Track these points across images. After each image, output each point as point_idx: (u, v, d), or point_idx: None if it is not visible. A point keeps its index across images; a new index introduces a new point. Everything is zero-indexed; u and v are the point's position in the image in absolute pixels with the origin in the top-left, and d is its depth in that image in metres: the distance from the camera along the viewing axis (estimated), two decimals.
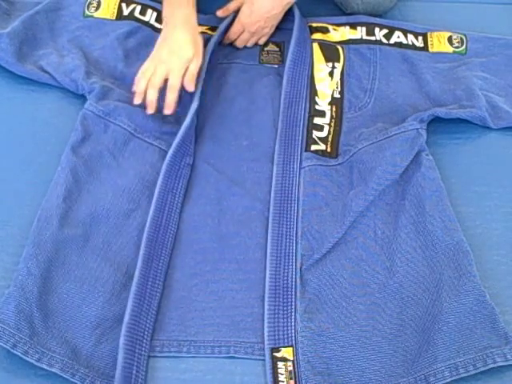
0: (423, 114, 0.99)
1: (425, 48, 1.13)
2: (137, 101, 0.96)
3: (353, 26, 1.15)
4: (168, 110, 0.96)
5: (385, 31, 1.14)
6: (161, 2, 1.16)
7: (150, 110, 0.96)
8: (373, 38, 1.13)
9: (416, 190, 0.90)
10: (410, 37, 1.15)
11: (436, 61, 1.11)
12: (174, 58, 0.96)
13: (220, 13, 1.13)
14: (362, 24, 1.15)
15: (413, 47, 1.13)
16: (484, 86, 1.05)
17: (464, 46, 1.13)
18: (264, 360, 0.77)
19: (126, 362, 0.73)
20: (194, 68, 0.98)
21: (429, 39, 1.14)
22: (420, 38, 1.15)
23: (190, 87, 0.97)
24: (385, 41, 1.13)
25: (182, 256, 0.84)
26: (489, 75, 1.08)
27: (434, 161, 0.94)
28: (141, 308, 0.79)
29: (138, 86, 0.97)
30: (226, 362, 0.78)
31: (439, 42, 1.14)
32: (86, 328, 0.77)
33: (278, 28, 1.15)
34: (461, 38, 1.14)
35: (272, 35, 1.14)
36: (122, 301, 0.80)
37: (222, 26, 1.12)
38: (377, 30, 1.14)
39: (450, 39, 1.14)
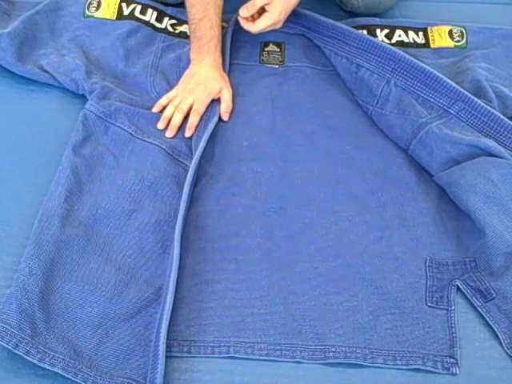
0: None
1: (426, 44, 1.14)
2: (161, 126, 1.00)
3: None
4: (189, 131, 1.00)
5: (386, 31, 1.15)
6: (162, 3, 1.18)
7: (171, 133, 0.99)
8: None
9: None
10: (411, 34, 1.15)
11: (439, 56, 1.12)
12: (200, 89, 1.02)
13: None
14: (362, 27, 1.14)
15: (415, 45, 1.13)
16: (489, 77, 1.05)
17: (464, 40, 1.14)
18: (264, 360, 0.78)
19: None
20: (228, 97, 1.04)
21: (429, 34, 1.15)
22: (421, 33, 1.15)
23: (226, 117, 1.03)
24: (387, 41, 1.13)
25: (181, 256, 0.84)
26: (491, 66, 1.08)
27: None
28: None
29: (166, 111, 1.01)
30: (226, 362, 0.78)
31: (440, 37, 1.14)
32: (88, 328, 0.77)
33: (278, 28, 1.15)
34: (461, 31, 1.15)
35: (272, 36, 1.14)
36: (124, 300, 0.80)
37: (229, 30, 1.12)
38: (378, 30, 1.15)
39: (450, 33, 1.14)
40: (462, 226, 0.89)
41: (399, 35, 1.15)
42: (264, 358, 0.78)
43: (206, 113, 1.02)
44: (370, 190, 0.94)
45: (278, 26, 1.06)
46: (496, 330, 0.80)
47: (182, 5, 1.12)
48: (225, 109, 1.03)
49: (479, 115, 0.94)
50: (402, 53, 1.01)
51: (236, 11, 1.06)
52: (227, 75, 1.07)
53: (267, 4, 1.01)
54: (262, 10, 1.04)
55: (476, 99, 0.95)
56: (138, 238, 0.86)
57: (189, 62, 1.07)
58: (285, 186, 0.95)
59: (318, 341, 0.79)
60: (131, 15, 1.14)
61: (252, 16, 1.05)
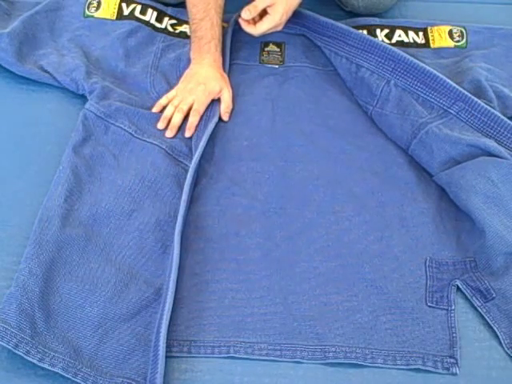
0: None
1: (426, 44, 1.14)
2: (162, 126, 1.00)
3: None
4: (189, 131, 1.00)
5: (386, 31, 1.15)
6: (162, 3, 1.17)
7: (170, 133, 0.99)
8: None
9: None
10: (411, 34, 1.15)
11: (439, 56, 1.12)
12: (200, 88, 1.02)
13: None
14: (362, 27, 1.14)
15: (415, 45, 1.13)
16: (489, 77, 1.05)
17: (464, 40, 1.14)
18: (264, 360, 0.78)
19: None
20: (228, 97, 1.03)
21: (429, 34, 1.15)
22: (421, 33, 1.15)
23: (226, 117, 1.03)
24: (387, 41, 1.13)
25: (181, 256, 0.84)
26: (491, 66, 1.08)
27: None
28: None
29: (166, 111, 1.01)
30: (226, 362, 0.78)
31: (440, 37, 1.14)
32: (88, 328, 0.77)
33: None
34: (461, 32, 1.15)
35: (272, 36, 1.14)
36: (124, 300, 0.80)
37: (230, 30, 1.12)
38: (378, 30, 1.15)
39: (450, 33, 1.14)
40: (462, 226, 0.90)
41: (399, 35, 1.15)
42: (264, 357, 0.78)
43: (206, 113, 1.02)
44: (369, 189, 0.94)
45: (279, 28, 1.06)
46: (496, 330, 0.80)
47: (182, 5, 1.12)
48: (225, 109, 1.03)
49: (479, 115, 0.94)
50: (401, 53, 1.01)
51: (237, 11, 1.06)
52: (227, 75, 1.07)
53: (269, 6, 1.01)
54: (263, 13, 1.04)
55: (476, 99, 0.95)
56: (138, 238, 0.86)
57: (189, 61, 1.07)
58: (285, 186, 0.95)
59: (318, 341, 0.79)
60: (131, 15, 1.14)
61: (253, 18, 1.05)
